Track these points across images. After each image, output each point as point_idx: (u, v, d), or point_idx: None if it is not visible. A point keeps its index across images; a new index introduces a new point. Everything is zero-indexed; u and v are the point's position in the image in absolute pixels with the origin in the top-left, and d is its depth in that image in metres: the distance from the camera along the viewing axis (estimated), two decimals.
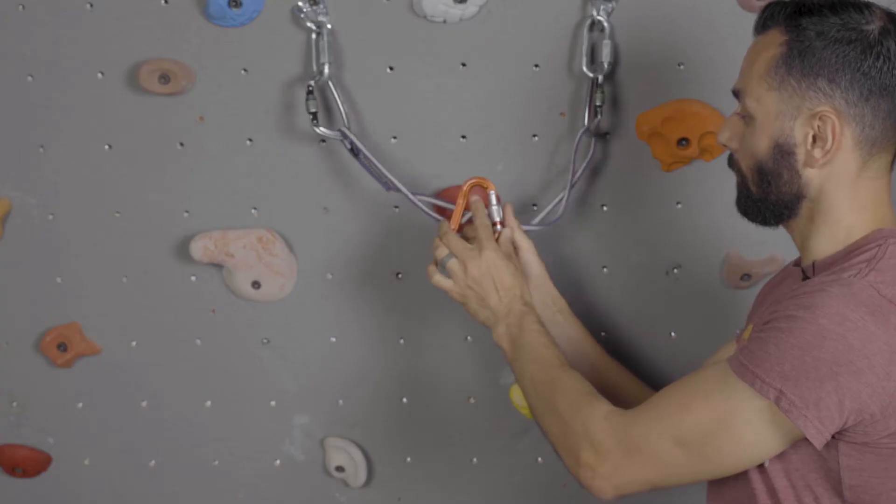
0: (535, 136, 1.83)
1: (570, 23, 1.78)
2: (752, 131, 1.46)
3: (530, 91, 1.82)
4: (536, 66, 1.81)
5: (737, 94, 1.49)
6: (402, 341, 1.98)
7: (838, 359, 1.32)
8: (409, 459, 2.04)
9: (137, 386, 2.05)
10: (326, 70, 1.80)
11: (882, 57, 1.39)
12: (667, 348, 1.91)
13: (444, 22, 1.80)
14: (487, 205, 1.74)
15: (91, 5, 1.86)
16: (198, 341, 2.01)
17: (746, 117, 1.47)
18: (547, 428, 1.56)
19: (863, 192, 1.45)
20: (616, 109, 1.82)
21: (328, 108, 1.84)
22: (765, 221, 1.51)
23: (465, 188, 1.75)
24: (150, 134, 1.91)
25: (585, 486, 1.48)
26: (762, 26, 1.48)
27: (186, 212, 1.95)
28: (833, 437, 1.38)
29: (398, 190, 1.81)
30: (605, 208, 1.88)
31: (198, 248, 1.93)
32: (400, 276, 1.94)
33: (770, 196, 1.47)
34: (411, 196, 1.81)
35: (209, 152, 1.91)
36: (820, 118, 1.41)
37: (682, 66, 1.78)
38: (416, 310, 1.95)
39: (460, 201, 1.75)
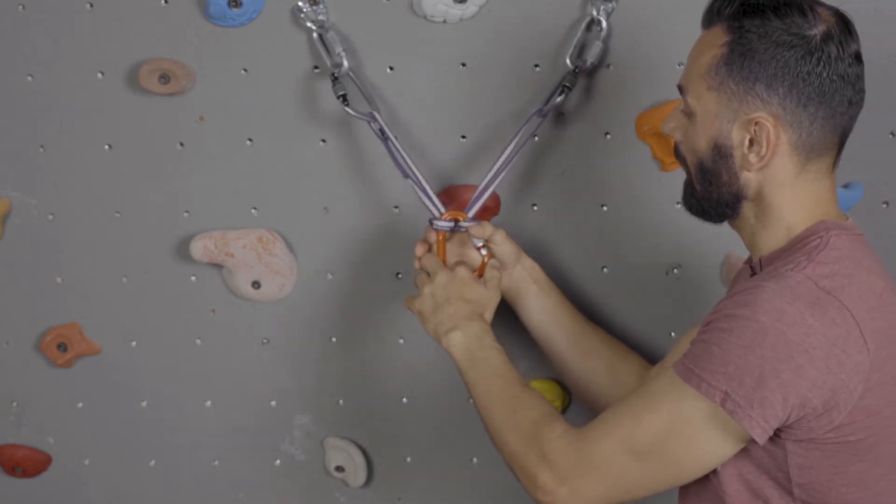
0: (535, 136, 1.83)
1: (570, 23, 1.78)
2: (694, 128, 1.47)
3: (530, 91, 1.82)
4: (536, 66, 1.81)
5: (680, 89, 1.49)
6: (402, 341, 1.98)
7: (779, 355, 1.32)
8: (409, 459, 2.04)
9: (137, 386, 2.05)
10: (345, 61, 1.80)
11: (822, 62, 1.39)
12: (667, 348, 1.90)
13: (444, 22, 1.80)
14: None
15: (91, 5, 1.86)
16: (198, 341, 2.01)
17: (688, 113, 1.47)
18: (503, 442, 1.55)
19: (803, 193, 1.45)
20: (616, 109, 1.82)
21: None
22: (709, 219, 1.51)
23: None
24: (150, 134, 1.91)
25: None
26: (707, 21, 1.47)
27: (186, 212, 1.95)
28: (780, 436, 1.38)
29: (415, 181, 1.77)
30: (605, 208, 1.88)
31: (198, 248, 1.93)
32: (400, 276, 1.94)
33: (712, 195, 1.48)
34: (426, 188, 1.76)
35: (209, 152, 1.91)
36: (756, 124, 1.41)
37: (681, 66, 1.78)
38: None
39: (440, 238, 1.76)
